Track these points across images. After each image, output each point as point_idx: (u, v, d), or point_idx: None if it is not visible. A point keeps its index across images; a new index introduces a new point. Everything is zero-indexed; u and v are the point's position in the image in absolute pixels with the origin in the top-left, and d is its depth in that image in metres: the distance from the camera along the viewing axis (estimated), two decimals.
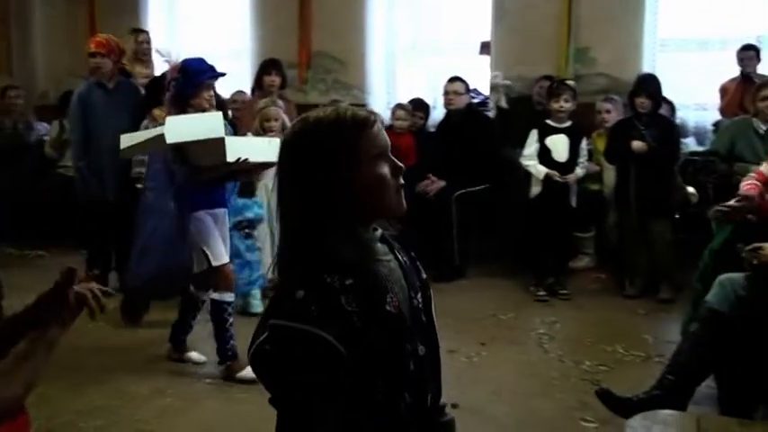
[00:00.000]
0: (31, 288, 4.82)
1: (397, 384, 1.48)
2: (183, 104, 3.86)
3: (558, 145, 5.64)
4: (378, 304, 1.46)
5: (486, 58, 7.09)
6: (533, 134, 5.69)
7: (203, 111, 3.86)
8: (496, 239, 6.30)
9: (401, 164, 1.54)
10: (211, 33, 8.31)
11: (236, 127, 5.61)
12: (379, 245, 1.57)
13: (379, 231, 1.58)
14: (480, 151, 6.00)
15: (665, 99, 6.01)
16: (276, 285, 1.64)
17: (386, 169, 1.51)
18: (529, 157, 5.69)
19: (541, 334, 4.73)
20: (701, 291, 3.71)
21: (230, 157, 3.72)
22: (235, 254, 4.62)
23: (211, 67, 3.95)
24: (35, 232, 6.97)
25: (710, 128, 6.59)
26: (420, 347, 1.53)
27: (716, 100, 6.62)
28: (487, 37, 7.17)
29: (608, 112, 6.09)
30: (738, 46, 6.39)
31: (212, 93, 3.95)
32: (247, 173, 4.17)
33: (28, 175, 7.27)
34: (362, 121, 1.50)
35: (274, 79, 6.19)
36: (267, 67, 6.32)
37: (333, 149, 1.47)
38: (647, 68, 6.69)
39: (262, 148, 3.87)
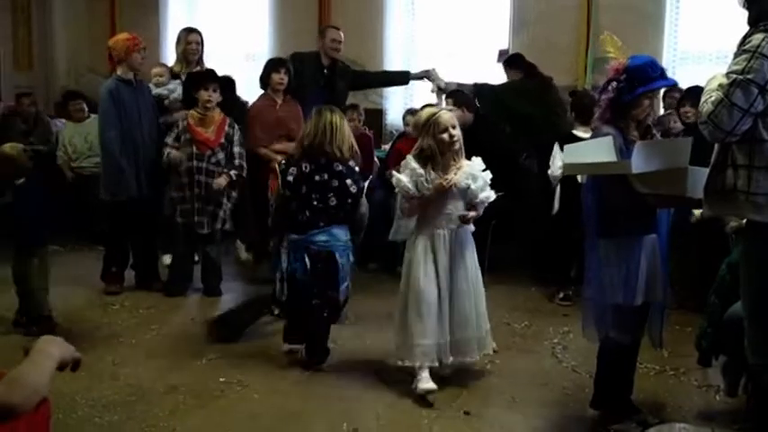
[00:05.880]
0: (49, 281, 4.82)
1: None
2: (622, 113, 3.28)
3: None
4: None
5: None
6: (556, 147, 5.55)
7: (638, 123, 3.31)
8: (512, 248, 6.30)
9: None
10: (230, 34, 8.36)
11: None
12: None
13: None
14: (494, 158, 5.95)
15: None
16: None
17: None
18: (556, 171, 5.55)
19: (555, 343, 4.72)
20: (716, 304, 3.72)
21: (693, 192, 3.03)
22: None
23: (662, 73, 3.33)
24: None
25: None
26: None
27: None
28: (505, 45, 7.18)
29: None
30: None
31: (651, 103, 3.34)
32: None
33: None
34: None
35: (283, 77, 5.72)
36: (276, 65, 5.82)
37: None
38: None
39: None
